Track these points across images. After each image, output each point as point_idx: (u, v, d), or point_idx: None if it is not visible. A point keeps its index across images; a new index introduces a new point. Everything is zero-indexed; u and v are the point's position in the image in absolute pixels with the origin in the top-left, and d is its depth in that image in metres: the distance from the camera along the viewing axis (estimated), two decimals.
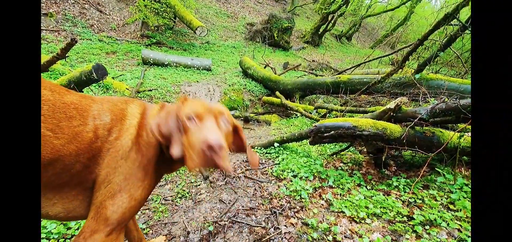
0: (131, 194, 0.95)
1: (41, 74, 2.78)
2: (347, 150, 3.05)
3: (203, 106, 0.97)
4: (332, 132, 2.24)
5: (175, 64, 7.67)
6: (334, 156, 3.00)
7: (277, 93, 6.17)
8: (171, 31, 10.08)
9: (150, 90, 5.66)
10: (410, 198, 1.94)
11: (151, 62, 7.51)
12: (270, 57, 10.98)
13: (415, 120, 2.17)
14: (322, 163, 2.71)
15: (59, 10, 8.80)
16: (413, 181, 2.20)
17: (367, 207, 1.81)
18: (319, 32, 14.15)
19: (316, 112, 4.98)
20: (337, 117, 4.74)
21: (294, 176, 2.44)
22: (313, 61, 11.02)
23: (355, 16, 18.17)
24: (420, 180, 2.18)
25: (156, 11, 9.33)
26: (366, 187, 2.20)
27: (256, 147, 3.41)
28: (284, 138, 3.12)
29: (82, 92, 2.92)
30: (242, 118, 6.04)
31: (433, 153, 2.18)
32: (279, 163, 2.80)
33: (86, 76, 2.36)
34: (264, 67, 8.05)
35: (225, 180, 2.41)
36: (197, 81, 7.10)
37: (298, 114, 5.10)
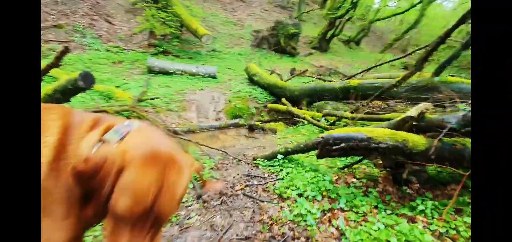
0: (47, 238, 0.67)
1: None
2: (360, 163, 2.69)
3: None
4: (343, 144, 1.90)
5: (180, 72, 7.51)
6: (346, 169, 2.64)
7: (283, 100, 5.86)
8: (177, 40, 10.02)
9: (153, 99, 5.48)
10: (441, 227, 1.57)
11: (157, 70, 7.38)
12: (276, 64, 10.71)
13: (445, 130, 1.80)
14: (332, 178, 2.36)
15: (69, 22, 8.91)
16: (442, 203, 1.82)
17: None
18: (327, 38, 13.80)
19: (325, 119, 4.63)
20: (347, 125, 4.37)
21: (299, 195, 2.10)
22: (321, 66, 10.67)
23: (363, 20, 17.72)
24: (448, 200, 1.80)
25: (163, 20, 9.29)
26: (385, 210, 1.84)
27: (258, 159, 3.09)
28: (289, 149, 2.79)
29: (69, 101, 2.73)
30: (246, 127, 5.75)
31: (465, 168, 1.80)
32: (283, 178, 2.47)
33: (72, 85, 2.14)
34: (270, 74, 7.77)
35: (221, 199, 2.11)
36: (202, 89, 6.89)
37: (305, 122, 4.75)
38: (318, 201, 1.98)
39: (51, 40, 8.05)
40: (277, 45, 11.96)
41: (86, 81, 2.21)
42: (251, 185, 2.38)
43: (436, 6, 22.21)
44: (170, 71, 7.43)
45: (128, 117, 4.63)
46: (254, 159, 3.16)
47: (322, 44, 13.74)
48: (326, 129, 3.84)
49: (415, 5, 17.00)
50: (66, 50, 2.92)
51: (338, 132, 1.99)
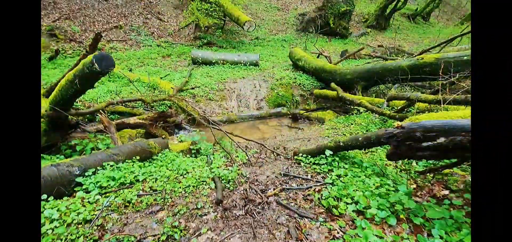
0: None
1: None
2: (455, 167, 1.78)
3: None
4: (442, 139, 1.12)
5: (222, 61, 7.26)
6: (429, 175, 1.77)
7: (333, 84, 4.95)
8: (221, 31, 9.85)
9: (193, 88, 5.31)
10: None
11: (200, 61, 7.29)
12: (325, 47, 9.56)
13: None
14: (410, 189, 1.56)
15: (127, 22, 9.61)
16: None
17: None
18: (386, 13, 11.77)
19: (388, 106, 3.63)
20: (421, 113, 3.30)
21: (358, 213, 1.41)
22: (380, 46, 9.06)
23: None
24: None
25: (207, 12, 9.21)
26: None
27: (300, 154, 2.45)
28: (341, 144, 2.06)
29: (93, 87, 2.58)
30: (290, 116, 5.09)
31: None
32: (333, 183, 1.79)
33: (88, 69, 1.87)
34: (317, 57, 6.84)
35: (247, 207, 1.57)
36: (243, 78, 6.48)
37: (361, 110, 3.83)
38: (390, 225, 1.26)
39: (113, 40, 8.82)
40: (326, 27, 10.70)
41: (101, 65, 1.93)
42: (288, 189, 1.78)
43: None
44: (212, 61, 7.25)
45: (170, 107, 4.52)
46: (296, 154, 2.53)
47: (381, 21, 11.78)
48: (391, 117, 2.91)
49: None
50: (98, 37, 2.77)
51: (429, 118, 1.20)
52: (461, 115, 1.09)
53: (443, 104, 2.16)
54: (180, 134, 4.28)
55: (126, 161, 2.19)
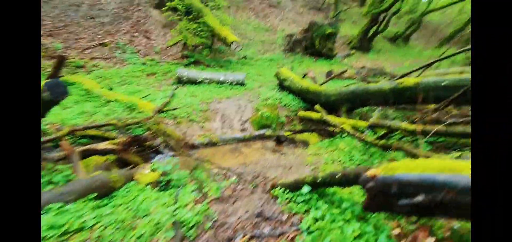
0: None
1: None
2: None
3: None
4: (419, 197, 0.94)
5: (208, 80, 7.10)
6: (417, 223, 1.58)
7: (317, 106, 4.85)
8: (208, 50, 9.78)
9: (174, 109, 5.07)
10: None
11: (185, 80, 7.10)
12: (311, 67, 9.64)
13: None
14: (392, 237, 1.36)
15: (113, 40, 9.39)
16: None
17: None
18: (369, 36, 12.14)
19: (371, 130, 3.51)
20: (403, 138, 3.20)
21: None
22: (363, 67, 9.21)
23: (413, 13, 15.32)
24: None
25: (194, 31, 9.15)
26: None
27: (278, 187, 2.23)
28: (319, 180, 1.87)
29: (44, 116, 2.31)
30: (274, 138, 4.90)
31: None
32: (308, 228, 1.57)
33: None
34: (303, 78, 6.81)
35: None
36: (228, 98, 6.31)
37: (344, 134, 3.70)
38: None
39: (96, 57, 8.53)
40: (312, 48, 10.86)
41: (54, 92, 1.68)
42: (259, 236, 1.55)
43: None
44: (198, 80, 7.07)
45: (148, 129, 4.23)
46: (273, 187, 2.31)
47: (364, 43, 12.12)
48: (373, 144, 2.77)
49: None
50: (61, 59, 2.53)
51: (407, 168, 1.03)
52: (445, 166, 0.93)
53: (425, 136, 2.03)
54: (156, 159, 3.98)
55: (80, 199, 1.90)
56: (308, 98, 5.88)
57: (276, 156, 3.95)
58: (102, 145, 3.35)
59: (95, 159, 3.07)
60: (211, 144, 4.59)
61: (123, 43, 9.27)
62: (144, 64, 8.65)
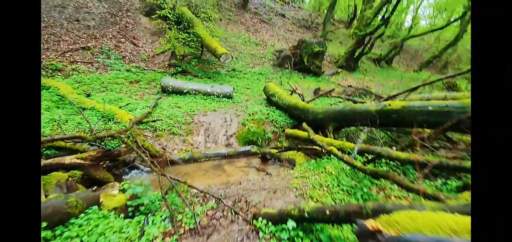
0: None
1: None
2: None
3: None
4: None
5: (194, 92, 6.83)
6: None
7: (304, 124, 4.72)
8: (197, 60, 9.57)
9: (155, 121, 4.74)
10: None
11: (170, 90, 6.79)
12: (299, 83, 9.64)
13: None
14: None
15: (97, 44, 8.95)
16: None
17: None
18: (355, 56, 12.45)
19: (357, 155, 3.38)
20: (391, 161, 3.09)
21: None
22: (350, 86, 9.33)
23: (395, 38, 16.02)
24: None
25: (184, 41, 8.95)
26: None
27: (260, 218, 1.99)
28: (306, 214, 1.65)
29: None
30: (259, 155, 4.67)
31: None
32: None
33: None
34: (291, 94, 6.72)
35: None
36: (214, 110, 6.07)
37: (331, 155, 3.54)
38: None
39: (77, 61, 8.05)
40: (300, 64, 10.94)
41: None
42: None
43: None
44: (184, 91, 6.79)
45: (124, 142, 3.87)
46: (255, 216, 2.07)
47: (350, 63, 12.39)
48: (362, 170, 2.61)
49: (452, 22, 14.93)
50: None
51: (413, 222, 0.84)
52: (451, 223, 0.76)
53: (422, 168, 1.90)
54: (128, 177, 3.63)
55: None
56: (296, 115, 5.76)
57: (260, 176, 3.71)
58: (68, 159, 2.98)
59: (57, 176, 2.69)
60: (193, 159, 4.29)
61: (107, 48, 8.85)
62: (128, 71, 8.26)
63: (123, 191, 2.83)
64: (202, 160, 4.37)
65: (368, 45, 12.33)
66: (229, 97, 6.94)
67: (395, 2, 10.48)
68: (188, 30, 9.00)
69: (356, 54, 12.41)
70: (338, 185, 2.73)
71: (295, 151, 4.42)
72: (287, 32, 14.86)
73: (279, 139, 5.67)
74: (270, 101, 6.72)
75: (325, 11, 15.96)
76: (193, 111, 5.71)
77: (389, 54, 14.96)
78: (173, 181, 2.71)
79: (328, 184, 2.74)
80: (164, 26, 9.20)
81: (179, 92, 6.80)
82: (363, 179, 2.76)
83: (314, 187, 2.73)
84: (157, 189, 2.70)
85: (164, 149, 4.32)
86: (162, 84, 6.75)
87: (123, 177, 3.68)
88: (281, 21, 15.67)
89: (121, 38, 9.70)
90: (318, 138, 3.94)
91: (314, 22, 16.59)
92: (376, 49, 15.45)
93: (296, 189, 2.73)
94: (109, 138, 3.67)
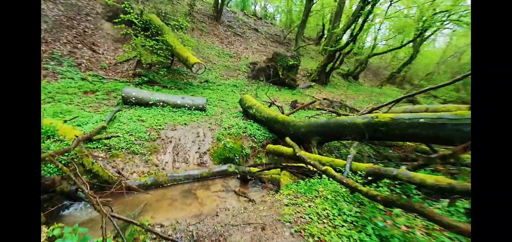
0: None
1: None
2: None
3: None
4: None
5: (161, 103, 5.94)
6: None
7: (288, 139, 4.19)
8: (166, 70, 8.66)
9: (109, 138, 3.78)
10: None
11: (133, 101, 5.81)
12: (275, 96, 9.27)
13: None
14: None
15: (47, 49, 7.54)
16: None
17: None
18: (326, 70, 12.65)
19: (353, 173, 2.92)
20: (394, 177, 2.66)
21: None
22: (325, 99, 9.23)
23: (360, 55, 16.91)
24: None
25: (152, 49, 8.02)
26: None
27: None
28: None
29: None
30: (238, 176, 3.99)
31: None
32: None
33: None
34: (269, 106, 6.23)
35: None
36: (185, 124, 5.26)
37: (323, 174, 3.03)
38: None
39: None
40: (275, 77, 10.66)
41: None
42: None
43: (426, 45, 21.83)
44: (150, 102, 5.86)
45: (67, 165, 2.88)
46: None
47: (322, 77, 12.53)
48: (372, 198, 2.11)
49: (408, 43, 16.34)
50: None
51: None
52: None
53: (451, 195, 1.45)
54: (70, 211, 2.67)
55: None
56: (276, 128, 5.24)
57: (241, 204, 3.03)
58: None
59: None
60: (157, 185, 3.43)
61: (59, 54, 7.50)
62: (84, 79, 7.02)
63: (51, 240, 1.93)
64: (169, 184, 3.53)
65: (338, 61, 12.66)
66: (202, 109, 6.20)
67: (361, 22, 10.93)
68: (157, 38, 8.11)
69: (328, 68, 12.61)
70: (339, 214, 2.19)
71: (279, 170, 3.84)
72: (261, 45, 14.69)
73: (258, 155, 5.07)
74: (247, 113, 6.13)
75: (296, 28, 16.28)
76: (160, 125, 4.84)
77: (355, 70, 15.64)
78: (128, 218, 1.91)
79: (328, 214, 2.19)
80: (129, 32, 8.17)
81: (143, 104, 5.86)
82: (366, 205, 2.26)
83: (312, 219, 2.14)
84: (99, 234, 1.86)
85: (119, 174, 3.39)
86: (123, 94, 5.75)
87: (63, 213, 2.72)
88: (255, 35, 15.51)
89: (78, 43, 8.38)
90: (305, 154, 3.42)
91: (286, 37, 16.78)
92: (343, 65, 16.08)
93: (290, 223, 2.12)
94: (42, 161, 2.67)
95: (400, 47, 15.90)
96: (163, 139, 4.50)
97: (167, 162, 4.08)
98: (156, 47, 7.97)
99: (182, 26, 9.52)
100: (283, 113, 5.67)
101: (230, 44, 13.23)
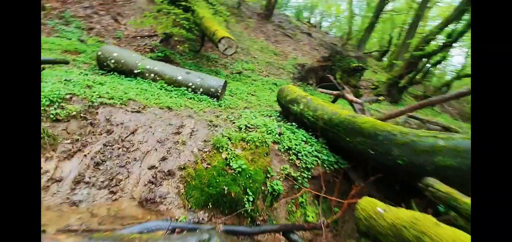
0: None
1: None
2: None
3: None
4: None
5: (153, 75, 3.48)
6: None
7: (429, 180, 1.02)
8: (194, 53, 6.40)
9: None
10: None
11: (112, 65, 3.49)
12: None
13: None
14: None
15: (61, 8, 6.13)
16: None
17: None
18: (399, 85, 8.77)
19: None
20: None
21: None
22: (411, 116, 5.57)
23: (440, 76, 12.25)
24: None
25: (175, 17, 5.83)
26: None
27: None
28: None
29: None
30: None
31: None
32: None
33: None
34: (333, 101, 3.13)
35: None
36: (169, 108, 2.60)
37: None
38: None
39: None
40: (330, 81, 7.44)
41: None
42: None
43: None
44: (134, 70, 3.47)
45: None
46: None
47: (392, 92, 8.70)
48: None
49: None
50: None
51: None
52: None
53: None
54: None
55: None
56: (352, 146, 2.12)
57: None
58: None
59: None
60: None
61: (71, 14, 5.98)
62: (82, 41, 5.22)
63: None
64: None
65: (422, 72, 8.69)
66: (215, 96, 3.50)
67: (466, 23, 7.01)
68: (182, 4, 5.92)
69: (402, 83, 8.73)
70: None
71: None
72: (313, 50, 11.66)
73: (301, 202, 2.03)
74: (288, 111, 3.17)
75: (363, 32, 12.80)
76: (105, 99, 2.27)
77: (436, 93, 11.13)
78: None
79: None
80: (164, 8, 6.10)
81: (126, 72, 3.48)
82: None
83: None
84: None
85: None
86: (99, 53, 3.49)
87: None
88: (307, 39, 12.63)
89: (101, 10, 6.85)
90: None
91: (345, 46, 13.37)
92: (415, 87, 11.71)
93: None
94: None
95: None
96: (95, 124, 1.88)
97: (65, 183, 1.39)
98: (180, 16, 5.76)
99: (222, 14, 7.04)
100: (362, 112, 2.50)
101: (277, 43, 10.61)
